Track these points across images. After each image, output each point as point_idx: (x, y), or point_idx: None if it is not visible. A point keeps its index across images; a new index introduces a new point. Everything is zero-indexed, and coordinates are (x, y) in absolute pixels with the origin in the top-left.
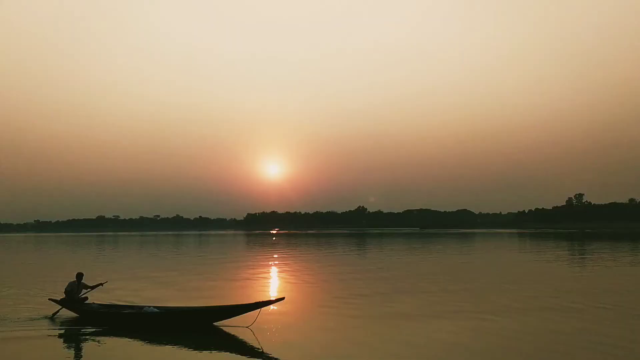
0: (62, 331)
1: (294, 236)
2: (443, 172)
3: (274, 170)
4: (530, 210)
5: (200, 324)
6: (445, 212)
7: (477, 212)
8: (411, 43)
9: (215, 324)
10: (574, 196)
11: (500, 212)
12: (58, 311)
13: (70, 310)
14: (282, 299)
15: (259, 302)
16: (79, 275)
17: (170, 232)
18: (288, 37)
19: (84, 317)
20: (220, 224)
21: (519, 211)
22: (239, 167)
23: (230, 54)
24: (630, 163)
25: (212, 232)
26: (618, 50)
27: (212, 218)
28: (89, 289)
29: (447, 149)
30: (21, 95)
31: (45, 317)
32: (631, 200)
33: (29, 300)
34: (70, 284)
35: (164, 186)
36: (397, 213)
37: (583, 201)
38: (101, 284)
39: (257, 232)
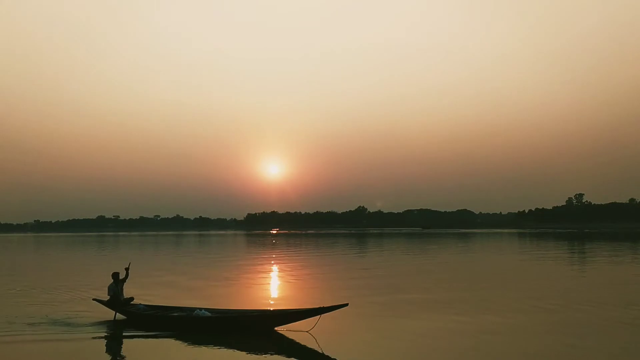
0: (110, 334)
1: (297, 236)
2: (443, 172)
3: (274, 170)
4: (530, 210)
5: (257, 330)
6: (445, 212)
7: (477, 212)
8: (412, 42)
9: (276, 328)
10: (574, 196)
11: (501, 212)
12: (116, 315)
13: (117, 312)
14: (346, 305)
15: (322, 307)
16: (115, 275)
17: (170, 232)
18: (288, 36)
19: (131, 319)
20: (221, 224)
21: (519, 211)
22: (239, 167)
23: (230, 54)
24: (630, 163)
25: (213, 232)
26: (618, 50)
27: (212, 218)
28: (126, 278)
29: (447, 149)
30: (21, 95)
31: (95, 320)
32: (631, 200)
33: (75, 302)
34: (111, 287)
35: (164, 186)
36: (397, 213)
37: (583, 201)
38: (127, 268)
39: (258, 232)
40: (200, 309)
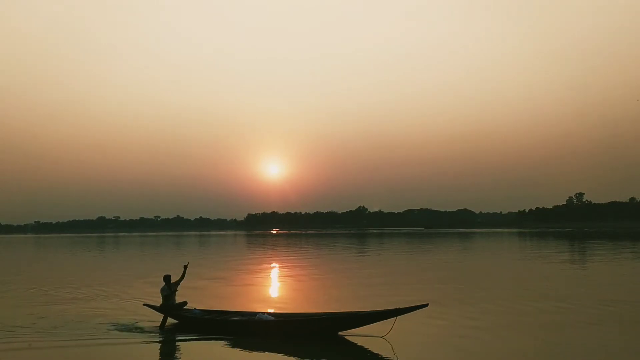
0: (163, 339)
1: (302, 236)
2: (443, 172)
3: (274, 170)
4: (530, 210)
5: (324, 334)
6: (445, 211)
7: (477, 212)
8: (412, 42)
9: (341, 333)
10: (575, 195)
11: (501, 212)
12: (166, 319)
13: (170, 317)
14: (426, 305)
15: (399, 308)
16: (167, 278)
17: (170, 233)
18: (288, 37)
19: (186, 324)
20: (221, 224)
21: (519, 210)
22: (239, 168)
23: (230, 55)
24: (630, 162)
25: (213, 233)
26: (618, 49)
27: (213, 219)
28: (181, 280)
29: (447, 149)
30: (22, 95)
31: (147, 325)
32: (632, 199)
33: (124, 307)
34: (164, 290)
35: (164, 187)
36: (398, 213)
37: (583, 200)
38: (185, 265)
39: (258, 232)
40: (263, 313)
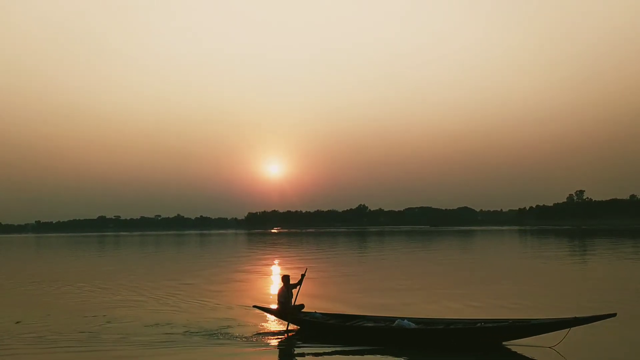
0: (286, 345)
1: (306, 235)
2: (444, 170)
3: (274, 169)
4: (531, 207)
5: (481, 344)
6: (446, 209)
7: (478, 210)
8: (412, 41)
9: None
10: (575, 193)
11: (502, 209)
12: (288, 325)
13: (287, 321)
14: (613, 315)
15: (577, 318)
16: (285, 278)
17: (171, 232)
18: (288, 36)
19: (308, 329)
20: (222, 223)
21: (520, 208)
22: (239, 167)
23: (231, 54)
24: (631, 159)
25: (214, 232)
26: (618, 47)
27: (213, 217)
28: (298, 287)
29: (448, 147)
30: (22, 95)
31: (260, 330)
32: (632, 196)
33: (228, 310)
34: (282, 293)
35: (164, 186)
36: (398, 211)
37: (584, 198)
38: (303, 274)
39: (258, 231)
40: (403, 318)
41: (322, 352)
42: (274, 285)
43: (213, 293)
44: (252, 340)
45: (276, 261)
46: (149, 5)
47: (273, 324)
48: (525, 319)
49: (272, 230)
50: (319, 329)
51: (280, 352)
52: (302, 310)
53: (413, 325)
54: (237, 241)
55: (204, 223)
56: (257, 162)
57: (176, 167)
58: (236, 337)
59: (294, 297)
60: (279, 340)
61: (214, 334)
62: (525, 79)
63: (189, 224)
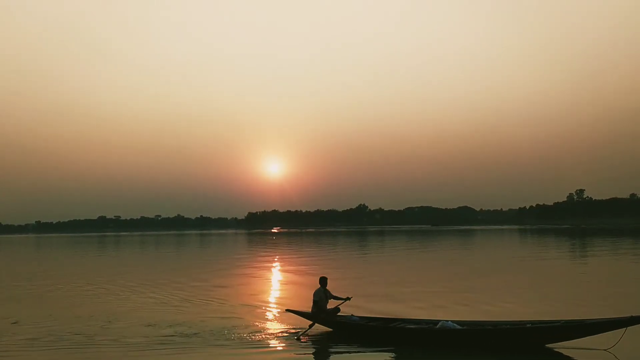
0: (316, 348)
1: (309, 235)
2: (443, 170)
3: (274, 169)
4: (531, 207)
5: (531, 345)
6: (446, 209)
7: (478, 209)
8: (412, 40)
9: (549, 345)
10: (575, 192)
11: (502, 209)
12: (312, 326)
13: (322, 324)
14: None
15: (633, 317)
16: (323, 280)
17: (171, 232)
18: (289, 35)
19: (345, 331)
20: (222, 223)
21: (520, 207)
22: (239, 166)
23: (231, 54)
24: (630, 158)
25: (214, 232)
26: (617, 46)
27: (213, 217)
28: (337, 302)
29: (448, 146)
30: (22, 95)
31: (292, 332)
32: (632, 195)
33: (261, 313)
34: (318, 293)
35: (164, 186)
36: (398, 211)
37: (584, 197)
38: (347, 299)
39: (258, 231)
40: (447, 320)
41: (364, 354)
42: (286, 285)
43: (235, 294)
44: (286, 343)
45: (280, 261)
46: (149, 5)
47: (306, 325)
48: (576, 319)
49: (272, 230)
50: (357, 331)
51: (319, 354)
52: (338, 313)
53: (458, 327)
54: (238, 241)
55: (204, 223)
56: (257, 162)
57: (176, 167)
58: (267, 339)
59: (329, 303)
60: (315, 342)
61: (243, 336)
62: (525, 79)
63: (189, 224)
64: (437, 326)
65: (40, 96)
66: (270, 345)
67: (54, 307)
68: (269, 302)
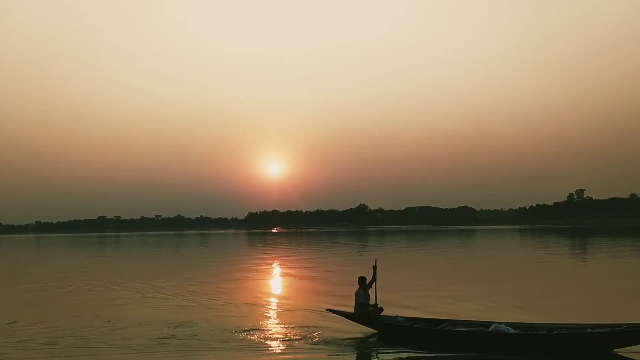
0: (365, 351)
1: (310, 235)
2: (444, 170)
3: (274, 169)
4: (531, 206)
5: (591, 351)
6: (446, 209)
7: (478, 209)
8: (413, 40)
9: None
10: (575, 192)
11: (502, 209)
12: (366, 327)
13: (366, 325)
14: None
15: None
16: (362, 280)
17: (171, 232)
18: (288, 35)
19: (390, 333)
20: (222, 223)
21: (520, 207)
22: (239, 166)
23: (231, 54)
24: (631, 158)
25: (214, 232)
26: (617, 45)
27: (214, 217)
28: (374, 283)
29: (448, 146)
30: (21, 95)
31: (339, 335)
32: (632, 195)
33: (303, 314)
34: (359, 295)
35: (164, 186)
36: (398, 211)
37: (584, 197)
38: (374, 267)
39: (258, 230)
40: (500, 323)
41: (411, 358)
42: (293, 284)
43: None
44: (328, 346)
45: (296, 262)
46: (150, 5)
47: (347, 327)
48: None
49: (272, 230)
50: (404, 333)
51: (363, 357)
52: (382, 314)
53: (512, 331)
54: (239, 241)
55: (204, 223)
56: (257, 162)
57: (176, 167)
58: (312, 342)
59: (372, 297)
60: (359, 344)
61: (288, 339)
62: (525, 79)
63: (189, 224)
64: (490, 329)
65: (40, 96)
66: (315, 348)
67: (54, 307)
68: (308, 303)
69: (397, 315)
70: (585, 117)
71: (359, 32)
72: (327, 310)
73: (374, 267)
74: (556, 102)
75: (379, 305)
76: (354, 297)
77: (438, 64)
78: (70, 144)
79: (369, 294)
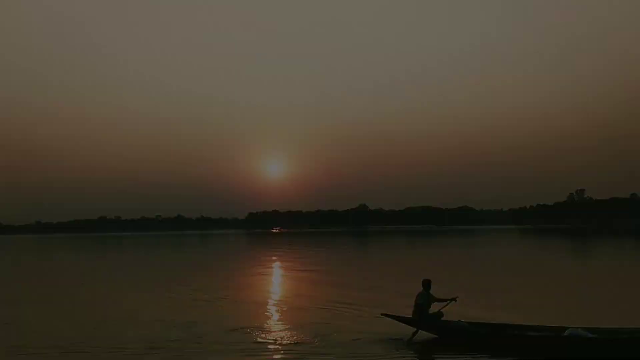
0: (428, 357)
1: (312, 235)
2: (444, 169)
3: (274, 169)
4: (531, 207)
5: None
6: (447, 208)
7: (478, 209)
8: (412, 40)
9: None
10: (575, 192)
11: (502, 209)
12: (416, 332)
13: (425, 330)
14: None
15: None
16: (426, 283)
17: (172, 233)
18: (289, 34)
19: (452, 338)
20: (222, 223)
21: (520, 207)
22: (240, 166)
23: (231, 54)
24: (631, 158)
25: (215, 232)
26: (617, 45)
27: (214, 218)
28: (442, 303)
29: (448, 146)
30: (22, 95)
31: (395, 339)
32: (632, 195)
33: (356, 318)
34: (422, 297)
35: (165, 186)
36: (399, 211)
37: (584, 197)
38: (454, 300)
39: (259, 230)
40: (575, 327)
41: None
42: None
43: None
44: (385, 351)
45: (314, 265)
46: (150, 5)
47: (403, 330)
48: None
49: (273, 230)
50: (467, 338)
51: None
52: (441, 317)
53: (591, 335)
54: (240, 241)
55: (204, 223)
56: (257, 162)
57: (176, 167)
58: (363, 347)
59: (436, 306)
60: (419, 350)
61: (345, 344)
62: (525, 78)
63: (189, 224)
64: (565, 334)
65: (40, 96)
66: (369, 354)
67: (53, 308)
68: (355, 304)
69: (459, 320)
70: (586, 117)
71: (359, 32)
72: (382, 314)
73: (452, 300)
74: (556, 102)
75: (439, 310)
76: (413, 298)
77: (438, 64)
78: (70, 144)
79: (432, 299)
